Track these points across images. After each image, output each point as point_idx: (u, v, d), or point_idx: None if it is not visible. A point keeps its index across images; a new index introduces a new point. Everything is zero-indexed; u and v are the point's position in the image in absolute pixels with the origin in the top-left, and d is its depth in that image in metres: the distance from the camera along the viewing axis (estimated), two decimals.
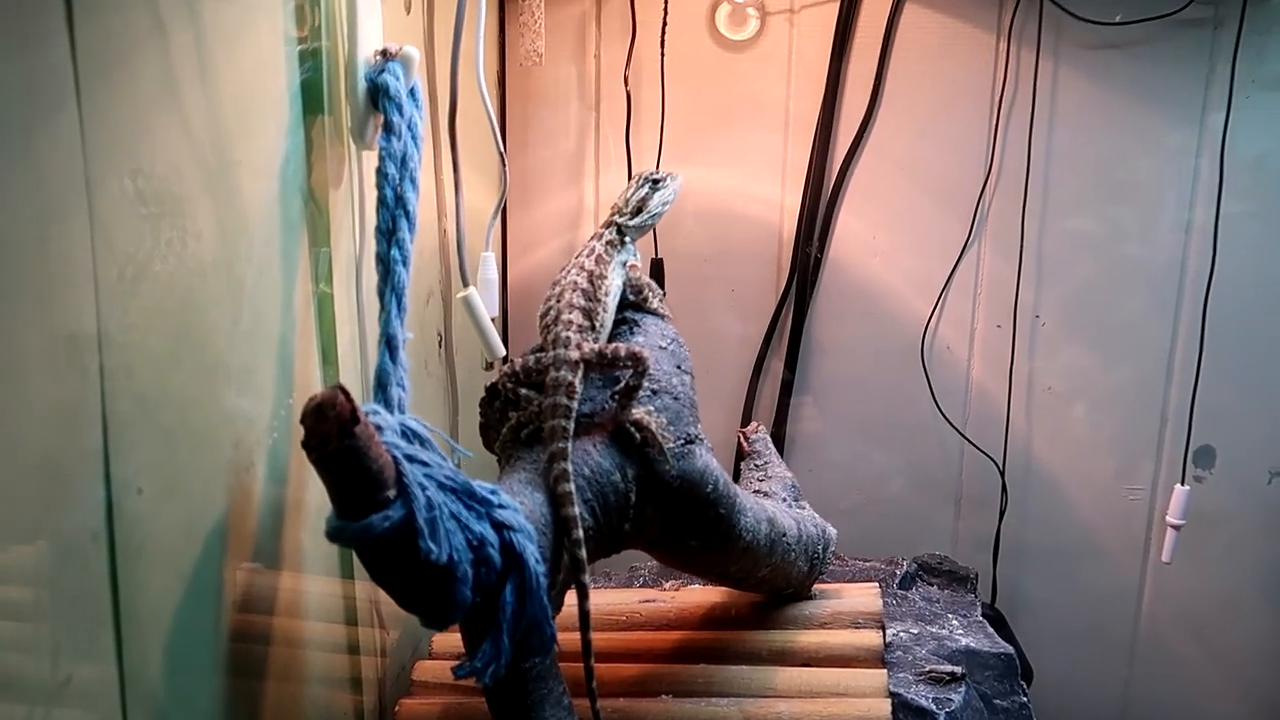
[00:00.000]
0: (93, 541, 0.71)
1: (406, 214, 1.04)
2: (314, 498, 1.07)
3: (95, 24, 0.72)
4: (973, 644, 1.45)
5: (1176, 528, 1.78)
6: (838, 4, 1.80)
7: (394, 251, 1.03)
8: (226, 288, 0.91)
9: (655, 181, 1.23)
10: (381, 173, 1.05)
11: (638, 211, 1.22)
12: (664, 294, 1.27)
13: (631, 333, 1.19)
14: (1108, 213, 1.83)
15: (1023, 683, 1.44)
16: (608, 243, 1.20)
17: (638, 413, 1.08)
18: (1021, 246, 1.84)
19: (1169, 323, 1.84)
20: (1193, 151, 1.77)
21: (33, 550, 0.67)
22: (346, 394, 0.78)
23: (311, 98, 1.06)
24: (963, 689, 1.29)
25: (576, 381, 1.05)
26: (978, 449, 1.91)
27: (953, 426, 1.90)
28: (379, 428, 0.86)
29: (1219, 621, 1.93)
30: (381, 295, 1.04)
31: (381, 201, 1.04)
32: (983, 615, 1.58)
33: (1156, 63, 1.75)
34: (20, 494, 0.66)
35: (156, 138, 0.81)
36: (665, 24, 1.80)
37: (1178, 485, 1.79)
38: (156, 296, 0.80)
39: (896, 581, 1.65)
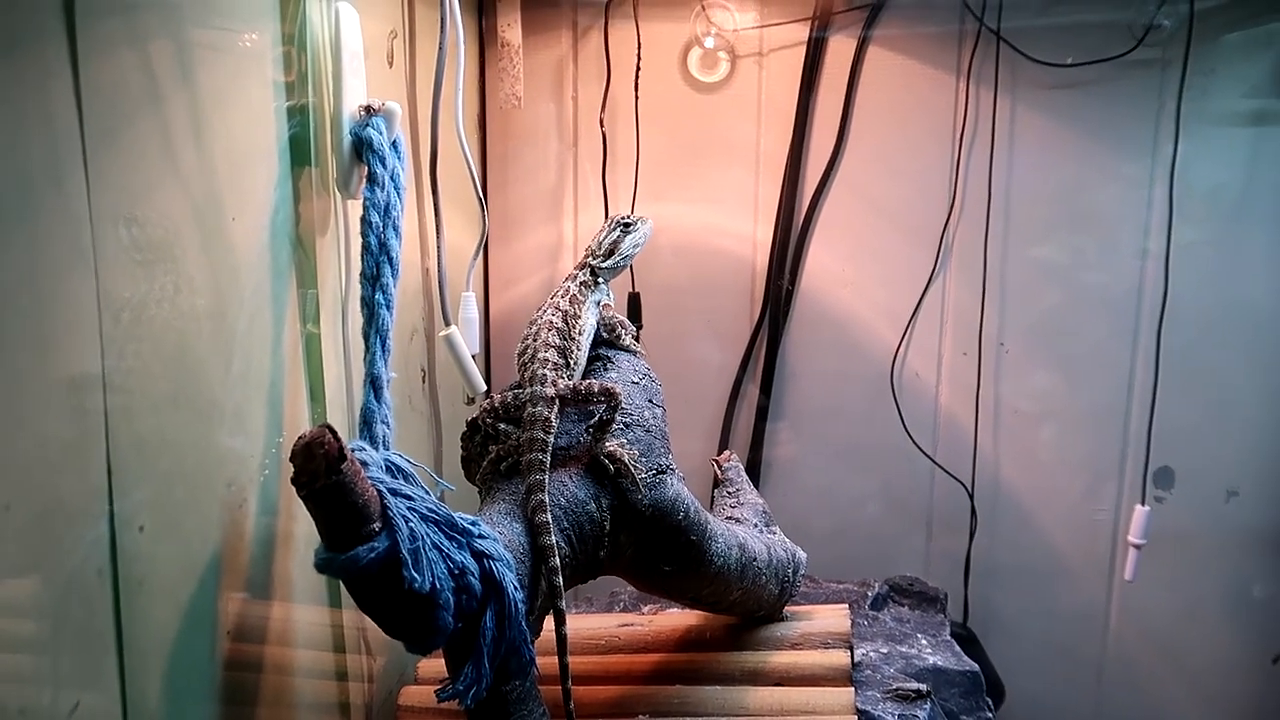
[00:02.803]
0: (97, 577, 0.76)
1: (390, 260, 1.10)
2: (302, 529, 1.12)
3: (100, 89, 0.78)
4: (940, 662, 1.51)
5: (1138, 547, 1.85)
6: (804, 47, 1.88)
7: (378, 295, 1.09)
8: (220, 332, 0.96)
9: (627, 225, 1.30)
10: (366, 221, 1.10)
11: (610, 253, 1.28)
12: (637, 331, 1.32)
13: (605, 369, 1.25)
14: (1067, 242, 1.91)
15: (989, 699, 1.49)
16: (582, 283, 1.26)
17: (611, 445, 1.13)
18: (985, 276, 1.92)
19: (1128, 347, 1.91)
20: (1146, 182, 1.85)
21: (42, 586, 0.72)
22: (334, 432, 0.83)
23: (299, 151, 1.12)
24: (928, 706, 1.35)
25: (552, 416, 1.10)
26: (947, 473, 1.97)
27: (922, 451, 1.97)
28: (365, 464, 0.92)
29: (1183, 637, 1.99)
30: (367, 337, 1.09)
31: (366, 249, 1.10)
32: (954, 635, 1.63)
33: (1108, 100, 1.83)
34: (30, 533, 0.71)
35: (154, 190, 0.87)
36: (639, 67, 1.88)
37: (1138, 505, 1.85)
38: (154, 341, 0.86)
39: (868, 603, 1.70)
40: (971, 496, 1.97)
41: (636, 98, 1.89)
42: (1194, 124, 1.79)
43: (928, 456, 1.97)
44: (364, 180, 1.14)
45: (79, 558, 0.75)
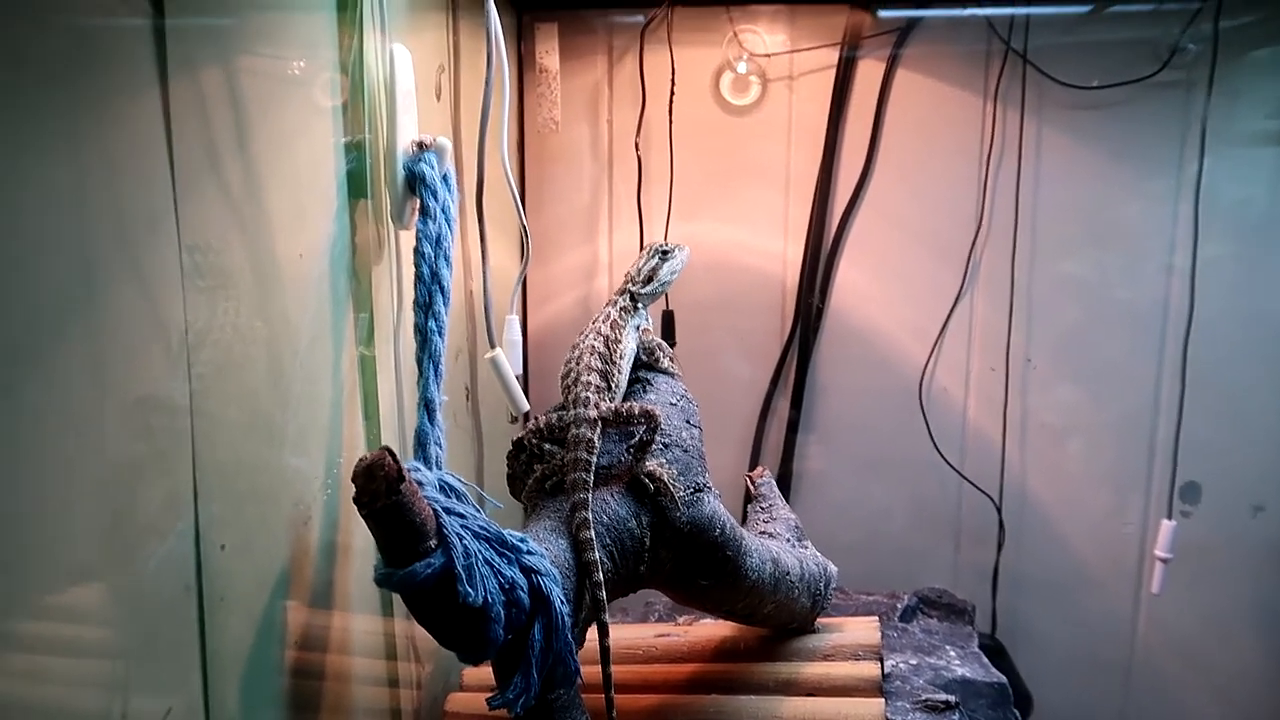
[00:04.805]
0: (185, 593, 0.82)
1: (441, 289, 1.16)
2: (359, 543, 1.18)
3: (188, 137, 0.84)
4: (968, 674, 1.54)
5: (1165, 561, 1.87)
6: (834, 71, 1.92)
7: (430, 323, 1.15)
8: (283, 357, 1.03)
9: (665, 252, 1.35)
10: (419, 252, 1.16)
11: (649, 280, 1.34)
12: (674, 352, 1.37)
13: (644, 391, 1.30)
14: (1093, 258, 1.95)
15: (1016, 711, 1.53)
16: (622, 309, 1.31)
17: (651, 465, 1.18)
18: (1012, 293, 1.95)
19: (1154, 362, 1.94)
20: (1171, 199, 1.88)
21: (140, 600, 0.78)
22: (393, 455, 0.89)
23: (356, 184, 1.18)
24: (956, 716, 1.39)
25: (595, 437, 1.16)
26: (975, 486, 2.01)
27: (950, 465, 2.00)
28: (421, 483, 0.97)
29: (1210, 650, 2.01)
30: (420, 362, 1.15)
31: (419, 278, 1.16)
32: (982, 646, 1.67)
33: (1134, 121, 1.86)
34: (131, 550, 0.77)
35: (232, 225, 0.93)
36: (673, 91, 1.93)
37: (1165, 520, 1.88)
38: (229, 366, 0.92)
39: (898, 614, 1.74)
40: (999, 509, 2.01)
41: (670, 121, 1.94)
42: (1218, 144, 1.82)
43: (956, 470, 2.01)
44: (416, 212, 1.21)
45: (171, 574, 0.81)
